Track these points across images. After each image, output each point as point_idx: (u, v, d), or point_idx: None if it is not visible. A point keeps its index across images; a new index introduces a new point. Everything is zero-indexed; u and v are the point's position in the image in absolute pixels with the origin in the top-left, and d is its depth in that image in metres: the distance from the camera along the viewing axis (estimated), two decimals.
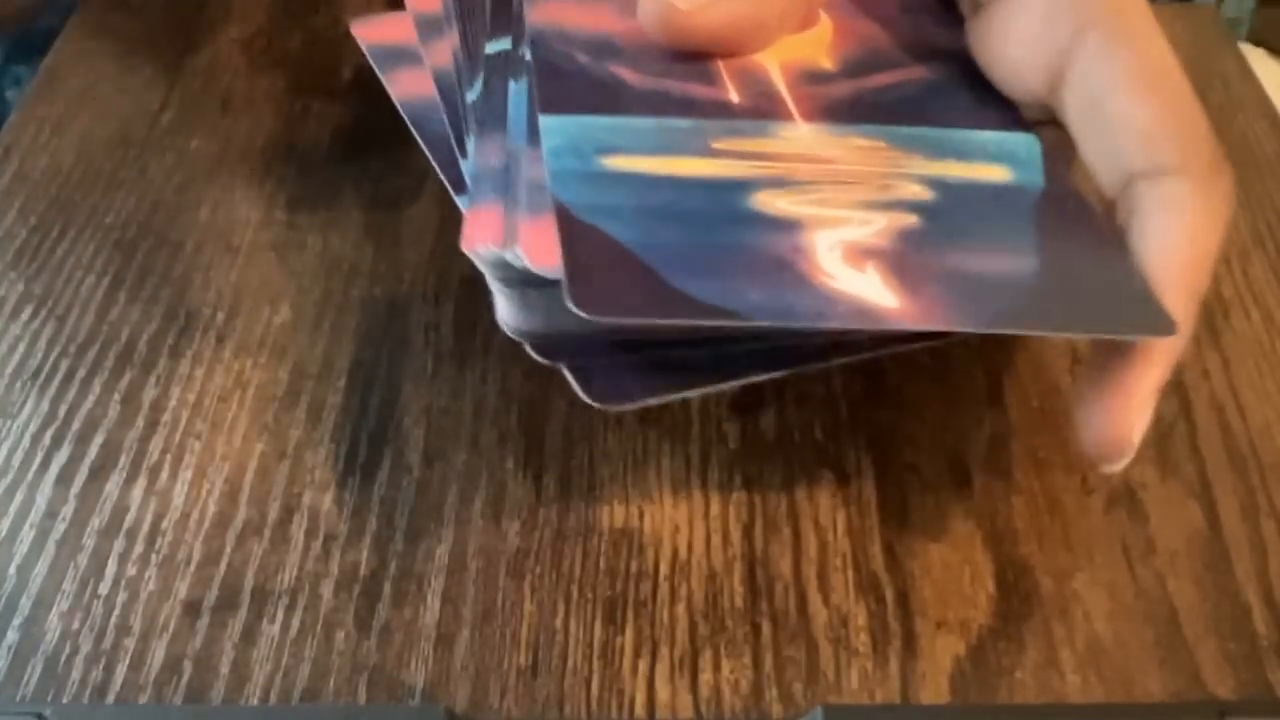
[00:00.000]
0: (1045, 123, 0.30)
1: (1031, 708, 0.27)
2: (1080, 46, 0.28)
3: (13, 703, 0.26)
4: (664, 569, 0.29)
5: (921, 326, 0.25)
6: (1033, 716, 0.27)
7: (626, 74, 0.29)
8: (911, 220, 0.27)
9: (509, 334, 0.28)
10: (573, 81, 0.29)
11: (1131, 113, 0.27)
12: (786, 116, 0.29)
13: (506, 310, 0.27)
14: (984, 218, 0.27)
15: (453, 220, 0.37)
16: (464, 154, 0.30)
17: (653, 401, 0.29)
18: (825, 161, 0.28)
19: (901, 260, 0.25)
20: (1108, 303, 0.26)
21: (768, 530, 0.30)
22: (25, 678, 0.27)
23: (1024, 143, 0.29)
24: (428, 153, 0.31)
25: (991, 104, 0.30)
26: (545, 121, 0.28)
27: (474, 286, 0.35)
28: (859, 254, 0.25)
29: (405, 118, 0.32)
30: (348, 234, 0.37)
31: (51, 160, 0.40)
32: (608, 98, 0.28)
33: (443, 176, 0.30)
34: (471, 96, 0.31)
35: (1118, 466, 0.27)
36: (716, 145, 0.28)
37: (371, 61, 0.34)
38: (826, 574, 0.29)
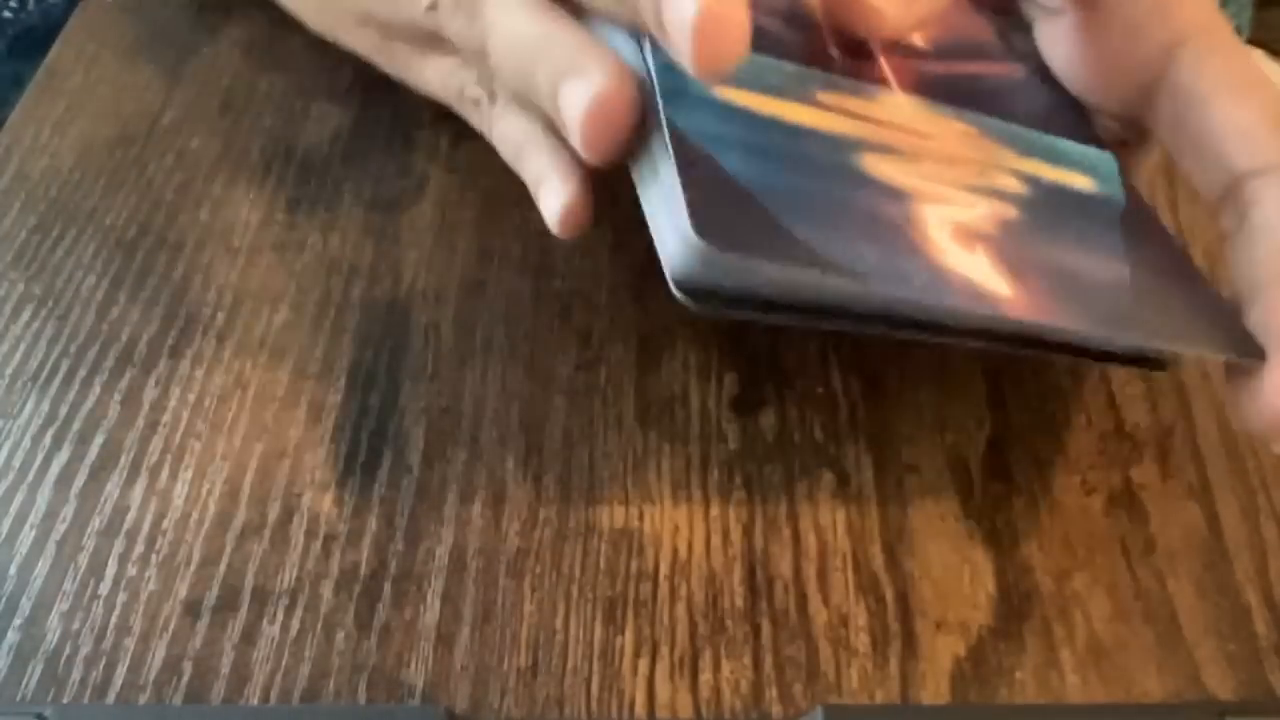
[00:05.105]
0: (1117, 142, 0.30)
1: (1031, 708, 0.27)
2: (1173, 60, 0.29)
3: (13, 703, 0.26)
4: (664, 569, 0.29)
5: (1031, 318, 0.24)
6: (1033, 716, 0.27)
7: None
8: (1011, 211, 0.26)
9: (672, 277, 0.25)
10: None
11: (1234, 116, 0.28)
12: (884, 83, 0.28)
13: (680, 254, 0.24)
14: (1076, 222, 0.27)
15: (453, 221, 0.37)
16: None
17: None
18: (925, 136, 0.27)
19: (1007, 249, 0.25)
20: (1200, 321, 0.26)
21: (768, 530, 0.30)
22: (25, 678, 0.27)
23: (1103, 158, 0.29)
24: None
25: (1068, 111, 0.30)
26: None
27: (474, 286, 0.35)
28: (968, 235, 0.25)
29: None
30: (348, 234, 0.37)
31: (51, 160, 0.39)
32: None
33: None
34: None
35: None
36: (821, 97, 0.27)
37: None
38: (826, 574, 0.29)
